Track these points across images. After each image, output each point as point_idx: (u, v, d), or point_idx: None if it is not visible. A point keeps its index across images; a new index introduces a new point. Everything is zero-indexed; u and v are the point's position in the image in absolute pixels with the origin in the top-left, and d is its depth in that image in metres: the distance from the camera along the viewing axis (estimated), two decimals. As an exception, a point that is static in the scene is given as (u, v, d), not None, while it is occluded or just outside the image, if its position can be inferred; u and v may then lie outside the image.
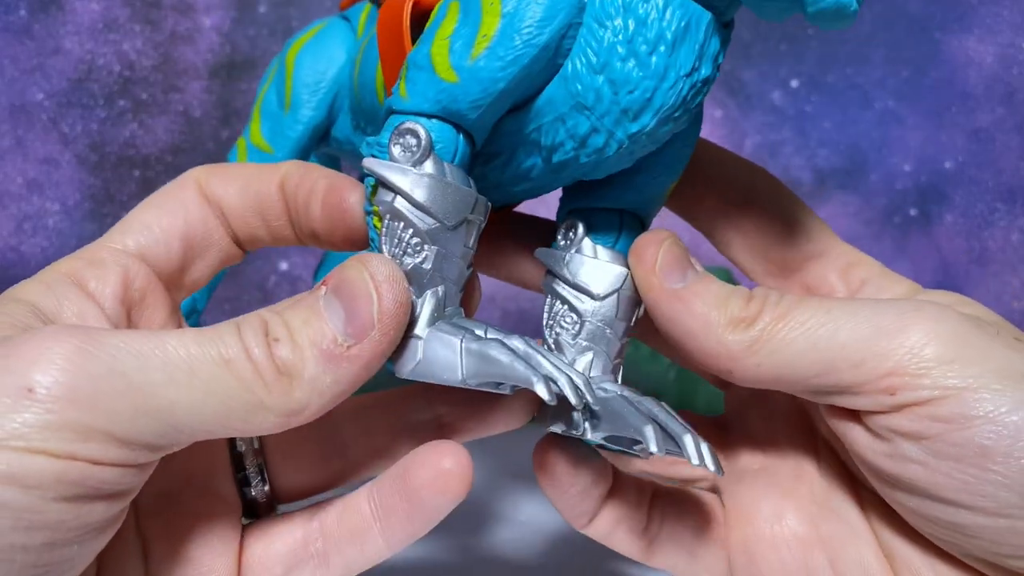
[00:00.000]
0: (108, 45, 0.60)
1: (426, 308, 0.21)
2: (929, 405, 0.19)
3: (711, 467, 0.21)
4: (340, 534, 0.23)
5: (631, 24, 0.20)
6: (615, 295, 0.24)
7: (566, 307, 0.25)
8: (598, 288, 0.24)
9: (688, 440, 0.21)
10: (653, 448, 0.21)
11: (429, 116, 0.21)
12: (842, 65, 0.62)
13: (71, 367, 0.17)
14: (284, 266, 0.62)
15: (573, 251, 0.25)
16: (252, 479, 0.24)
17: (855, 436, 0.21)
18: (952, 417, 0.19)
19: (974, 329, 0.20)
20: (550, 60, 0.21)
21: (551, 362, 0.21)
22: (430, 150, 0.21)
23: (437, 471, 0.21)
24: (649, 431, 0.21)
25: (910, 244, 0.62)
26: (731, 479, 0.26)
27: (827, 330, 0.21)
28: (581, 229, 0.25)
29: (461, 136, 0.21)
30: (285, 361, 0.19)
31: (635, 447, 0.23)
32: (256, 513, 0.24)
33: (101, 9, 0.60)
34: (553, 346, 0.25)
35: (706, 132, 0.26)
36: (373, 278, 0.19)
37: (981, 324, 0.20)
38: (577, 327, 0.24)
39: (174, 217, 0.24)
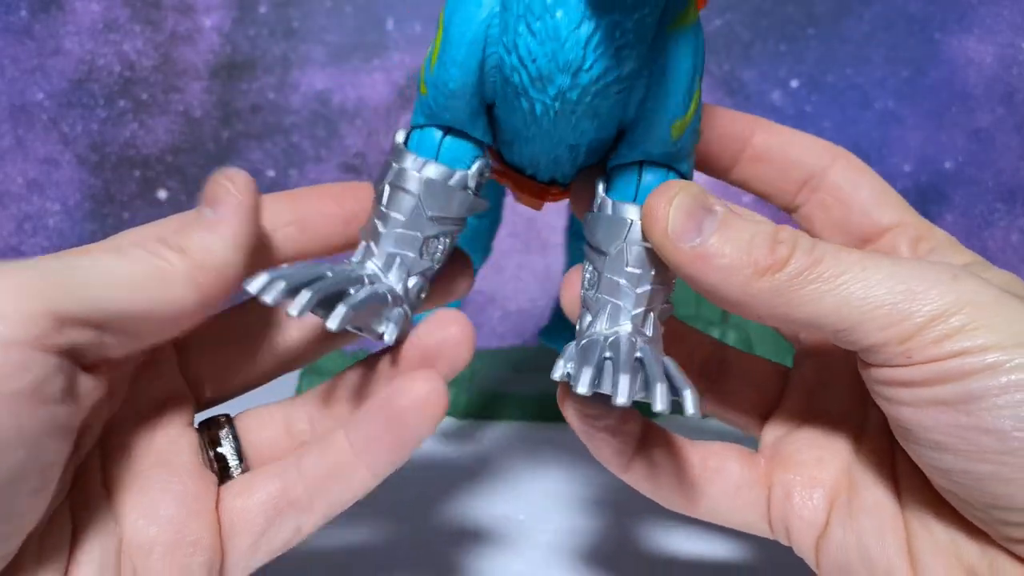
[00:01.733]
0: (108, 45, 0.60)
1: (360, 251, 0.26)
2: (939, 363, 0.20)
3: (690, 410, 0.21)
4: (321, 474, 0.24)
5: (530, 3, 0.22)
6: (623, 246, 0.24)
7: (591, 267, 0.25)
8: (607, 244, 0.24)
9: (620, 380, 0.21)
10: (580, 388, 0.21)
11: (422, 127, 0.26)
12: (842, 65, 0.62)
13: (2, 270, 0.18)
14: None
15: (595, 211, 0.25)
16: (223, 441, 0.26)
17: (866, 376, 0.22)
18: (955, 372, 0.20)
19: (1010, 302, 0.20)
20: (484, 52, 0.24)
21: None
22: (404, 152, 0.26)
23: (418, 396, 0.24)
24: (584, 372, 0.21)
25: (910, 244, 0.62)
26: (777, 427, 0.27)
27: (860, 288, 0.20)
28: (600, 189, 0.25)
29: (447, 136, 0.25)
30: (174, 243, 0.22)
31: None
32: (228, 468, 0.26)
33: (101, 9, 0.60)
34: (584, 305, 0.25)
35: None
36: (223, 175, 0.25)
37: (1010, 295, 0.20)
38: (596, 284, 0.25)
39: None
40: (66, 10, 0.60)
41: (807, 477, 0.25)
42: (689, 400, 0.21)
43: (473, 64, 0.24)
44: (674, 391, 0.21)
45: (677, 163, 0.25)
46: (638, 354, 0.22)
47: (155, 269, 0.21)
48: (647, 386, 0.21)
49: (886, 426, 0.25)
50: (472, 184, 0.26)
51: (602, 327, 0.24)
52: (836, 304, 0.20)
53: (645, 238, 0.23)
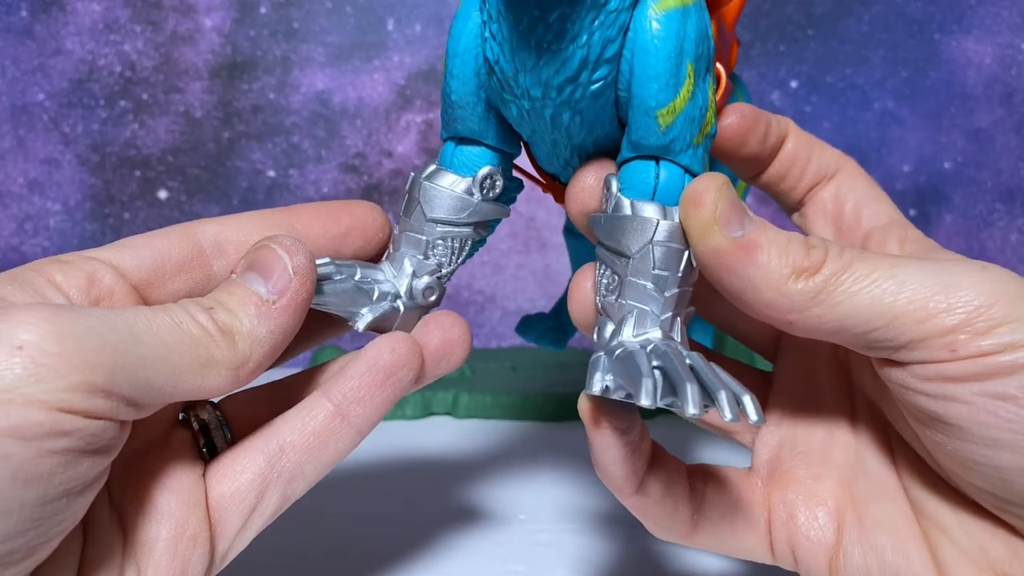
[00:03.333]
0: (109, 46, 0.61)
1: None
2: (986, 357, 0.20)
3: (752, 418, 0.20)
4: (305, 440, 0.25)
5: (489, 8, 0.23)
6: (648, 247, 0.23)
7: (609, 271, 0.24)
8: (631, 246, 0.23)
9: (687, 390, 0.20)
10: (644, 401, 0.20)
11: (444, 140, 0.27)
12: (841, 66, 0.62)
13: (54, 327, 0.19)
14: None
15: (610, 211, 0.24)
16: (211, 425, 0.26)
17: (902, 379, 0.22)
18: (1005, 365, 0.19)
19: None
20: (477, 61, 0.25)
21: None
22: (429, 164, 0.27)
23: (399, 350, 0.25)
24: (646, 384, 0.20)
25: (909, 244, 0.62)
26: (769, 437, 0.27)
27: (893, 283, 0.20)
28: (615, 186, 0.24)
29: (459, 146, 0.27)
30: (224, 322, 0.22)
31: (628, 398, 0.21)
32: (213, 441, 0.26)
33: (102, 10, 0.60)
34: (602, 312, 0.24)
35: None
36: (281, 245, 0.24)
37: None
38: (618, 289, 0.24)
39: (159, 239, 0.25)
40: (67, 10, 0.60)
41: (807, 495, 0.25)
42: (751, 408, 0.20)
43: (469, 73, 0.25)
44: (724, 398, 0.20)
45: (679, 157, 0.24)
46: (688, 361, 0.21)
47: (204, 357, 0.22)
48: (710, 395, 0.20)
49: (881, 432, 0.25)
50: (477, 189, 0.26)
51: (629, 334, 0.23)
52: (871, 301, 0.20)
53: (672, 239, 0.23)
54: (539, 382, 0.51)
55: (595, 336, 0.24)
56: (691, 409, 0.20)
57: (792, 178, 0.28)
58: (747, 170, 0.28)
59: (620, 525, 0.35)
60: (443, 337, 0.27)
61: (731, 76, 0.30)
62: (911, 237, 0.25)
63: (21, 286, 0.22)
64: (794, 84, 0.62)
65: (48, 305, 0.20)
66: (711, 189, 0.22)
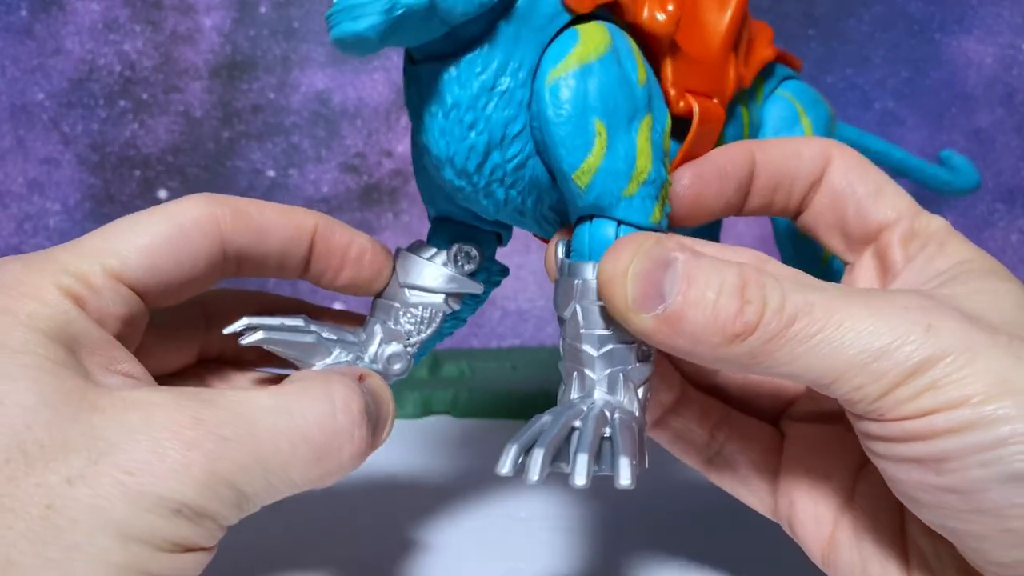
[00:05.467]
0: (109, 45, 0.61)
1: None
2: (909, 421, 0.19)
3: (623, 482, 0.20)
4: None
5: (416, 97, 0.24)
6: (574, 308, 0.23)
7: (560, 337, 0.24)
8: (562, 308, 0.24)
9: (579, 459, 0.20)
10: (497, 468, 0.20)
11: (429, 217, 0.29)
12: (842, 65, 0.62)
13: (204, 483, 0.20)
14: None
15: (558, 278, 0.24)
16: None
17: (852, 422, 0.22)
18: (925, 431, 0.19)
19: (986, 346, 0.19)
20: None
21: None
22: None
23: None
24: (533, 458, 0.20)
25: (910, 244, 0.62)
26: (792, 426, 0.27)
27: (835, 347, 0.20)
28: (560, 252, 0.25)
29: (435, 220, 0.28)
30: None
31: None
32: None
33: (102, 9, 0.60)
34: (563, 376, 0.24)
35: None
36: (391, 415, 0.26)
37: (993, 335, 0.20)
38: (565, 355, 0.24)
39: (174, 256, 0.25)
40: (66, 10, 0.60)
41: (812, 486, 0.25)
42: (623, 470, 0.20)
43: (419, 166, 0.26)
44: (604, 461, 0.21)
45: (612, 212, 0.23)
46: (577, 423, 0.21)
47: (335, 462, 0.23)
48: (535, 450, 0.20)
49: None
50: (451, 262, 0.28)
51: (569, 396, 0.23)
52: (810, 364, 0.20)
53: (594, 297, 0.22)
54: (539, 382, 0.51)
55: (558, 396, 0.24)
56: (577, 480, 0.20)
57: (778, 204, 0.27)
58: (722, 214, 0.27)
59: (621, 524, 0.35)
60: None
61: (743, 94, 0.30)
62: (918, 231, 0.24)
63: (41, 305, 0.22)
64: (794, 84, 0.62)
65: (196, 438, 0.20)
66: (618, 273, 0.21)
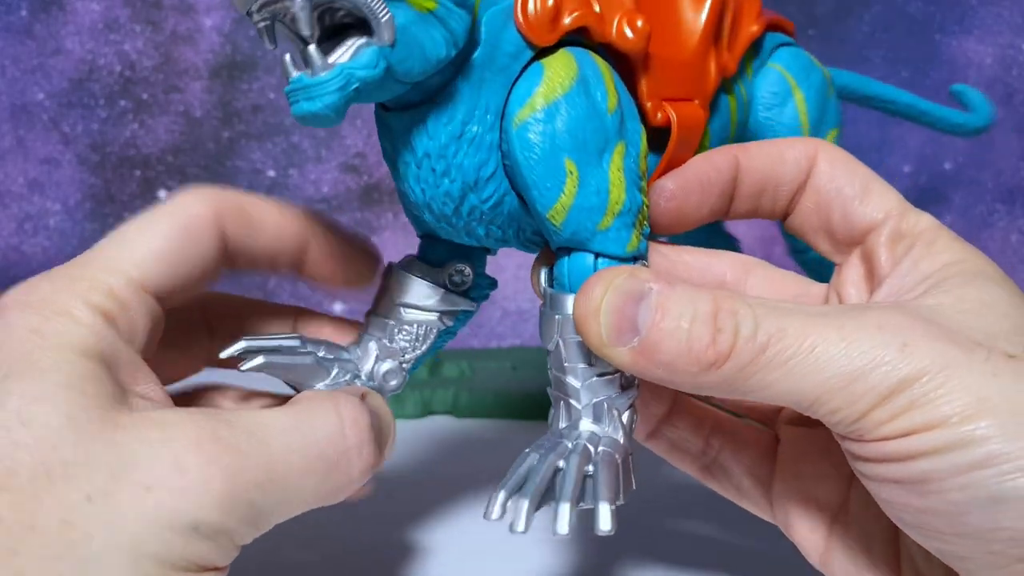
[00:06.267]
0: (109, 45, 0.61)
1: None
2: (889, 442, 0.19)
3: (600, 527, 0.21)
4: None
5: (388, 145, 0.24)
6: (557, 342, 0.24)
7: (548, 364, 0.25)
8: (546, 340, 0.24)
9: (561, 509, 0.21)
10: (485, 513, 0.21)
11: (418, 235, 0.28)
12: (842, 66, 0.62)
13: (225, 500, 0.20)
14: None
15: (540, 307, 0.25)
16: None
17: (840, 444, 0.22)
18: (904, 452, 0.19)
19: (963, 364, 0.19)
20: None
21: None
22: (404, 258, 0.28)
23: None
24: (518, 508, 0.21)
25: (910, 245, 0.62)
26: (785, 429, 0.27)
27: (809, 371, 0.20)
28: (543, 280, 0.25)
29: (432, 241, 0.28)
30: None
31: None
32: None
33: (102, 9, 0.60)
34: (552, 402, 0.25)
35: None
36: (393, 432, 0.26)
37: (970, 351, 0.19)
38: (552, 382, 0.25)
39: (187, 257, 0.25)
40: (66, 10, 0.60)
41: (807, 493, 0.25)
42: (601, 516, 0.21)
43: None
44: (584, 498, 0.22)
45: (589, 246, 0.23)
46: (561, 463, 0.22)
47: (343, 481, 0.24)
48: (521, 499, 0.21)
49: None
50: (446, 280, 0.28)
51: (558, 426, 0.24)
52: (786, 390, 0.20)
53: (576, 331, 0.22)
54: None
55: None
56: (514, 527, 0.21)
57: (764, 209, 0.26)
58: (707, 220, 0.27)
59: (623, 523, 0.35)
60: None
61: (726, 83, 0.29)
62: (905, 232, 0.24)
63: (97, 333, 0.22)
64: (794, 84, 0.62)
65: (216, 461, 0.20)
66: (591, 308, 0.21)
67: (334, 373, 0.27)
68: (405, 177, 0.24)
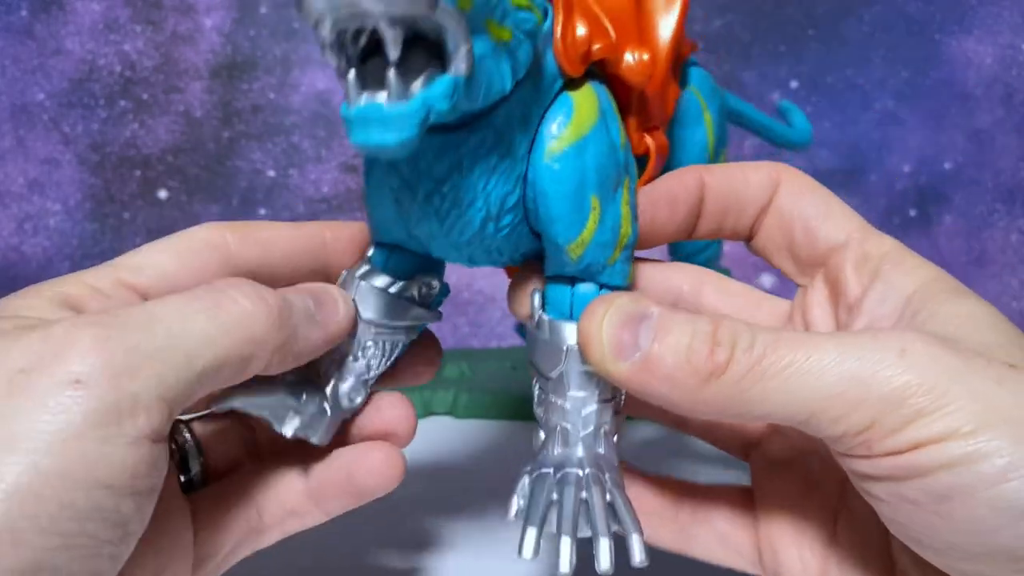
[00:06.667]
0: (109, 45, 0.61)
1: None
2: (899, 456, 0.19)
3: (636, 559, 0.21)
4: (278, 514, 0.26)
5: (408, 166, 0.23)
6: (562, 371, 0.24)
7: (539, 386, 0.25)
8: (547, 369, 0.24)
9: (561, 548, 0.21)
10: (525, 553, 0.22)
11: (378, 244, 0.26)
12: (842, 66, 0.62)
13: (100, 349, 0.19)
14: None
15: (534, 328, 0.25)
16: (190, 460, 0.26)
17: (840, 461, 0.21)
18: (915, 465, 0.18)
19: (963, 371, 0.19)
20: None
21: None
22: (363, 263, 0.26)
23: (375, 464, 0.26)
24: (528, 536, 0.22)
25: (909, 245, 0.62)
26: (763, 472, 0.27)
27: (808, 379, 0.19)
28: (537, 303, 0.25)
29: (395, 251, 0.26)
30: (271, 300, 0.22)
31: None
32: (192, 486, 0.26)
33: (102, 9, 0.60)
34: (541, 424, 0.25)
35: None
36: (340, 294, 0.25)
37: (970, 359, 0.19)
38: (543, 404, 0.25)
39: (184, 268, 0.25)
40: (67, 10, 0.60)
41: (795, 532, 0.25)
42: (635, 548, 0.21)
43: (387, 201, 0.24)
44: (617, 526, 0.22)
45: (598, 277, 0.24)
46: (584, 495, 0.22)
47: (247, 337, 0.22)
48: (593, 539, 0.21)
49: None
50: (414, 294, 0.26)
51: (553, 449, 0.24)
52: (786, 400, 0.19)
53: (584, 361, 0.22)
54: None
55: (533, 442, 0.25)
56: (562, 568, 0.21)
57: (728, 229, 0.26)
58: (673, 238, 0.27)
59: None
60: (382, 421, 0.27)
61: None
62: (870, 253, 0.23)
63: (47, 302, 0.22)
64: (794, 84, 0.62)
65: (86, 320, 0.19)
66: (595, 324, 0.21)
67: (304, 399, 0.25)
68: (419, 200, 0.22)
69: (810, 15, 0.61)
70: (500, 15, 0.20)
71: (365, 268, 0.26)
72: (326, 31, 0.18)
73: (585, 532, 0.22)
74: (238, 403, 0.24)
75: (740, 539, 0.26)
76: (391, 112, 0.18)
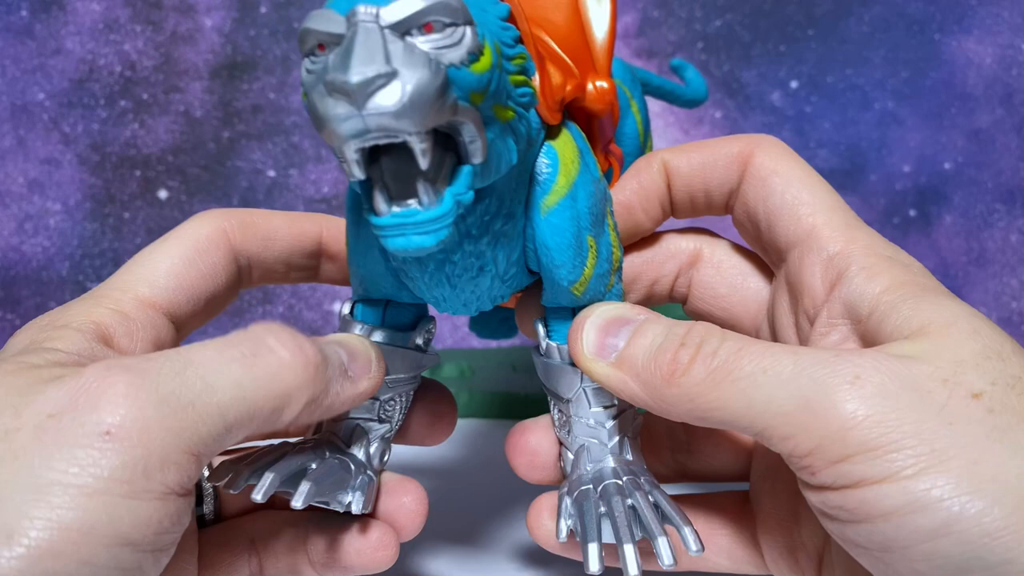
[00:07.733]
0: (109, 45, 0.61)
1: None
2: (842, 493, 0.18)
3: (692, 548, 0.23)
4: (278, 572, 0.26)
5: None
6: (580, 391, 0.25)
7: (557, 408, 0.26)
8: (565, 391, 0.25)
9: (624, 554, 0.23)
10: (592, 570, 0.23)
11: (363, 300, 0.26)
12: (842, 66, 0.62)
13: (133, 398, 0.18)
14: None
15: (543, 353, 0.26)
16: (205, 497, 0.27)
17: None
18: (858, 512, 0.18)
19: (915, 403, 0.18)
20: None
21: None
22: (351, 323, 0.26)
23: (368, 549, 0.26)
24: (591, 553, 0.23)
25: (909, 245, 0.62)
26: (758, 479, 0.27)
27: (762, 394, 0.19)
28: (542, 331, 0.26)
29: (390, 305, 0.26)
30: (308, 349, 0.21)
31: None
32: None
33: (102, 9, 0.60)
34: (560, 443, 0.27)
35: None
36: (374, 350, 0.24)
37: (926, 393, 0.18)
38: (567, 426, 0.26)
39: (196, 271, 0.25)
40: (67, 10, 0.60)
41: (789, 540, 0.25)
42: (690, 539, 0.23)
43: (376, 256, 0.24)
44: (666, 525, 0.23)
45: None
46: (629, 501, 0.23)
47: (279, 390, 0.21)
48: (651, 540, 0.23)
49: None
50: (420, 342, 0.27)
51: (585, 466, 0.25)
52: (743, 409, 0.19)
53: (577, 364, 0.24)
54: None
55: (562, 465, 0.26)
56: (631, 572, 0.22)
57: (701, 209, 0.26)
58: (655, 227, 0.27)
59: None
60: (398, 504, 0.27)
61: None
62: (840, 252, 0.22)
63: (91, 348, 0.22)
64: (794, 84, 0.62)
65: (120, 365, 0.19)
66: (580, 329, 0.23)
67: (353, 469, 0.25)
68: (436, 273, 0.23)
69: (810, 15, 0.61)
70: (504, 98, 0.20)
71: (361, 327, 0.26)
72: (351, 152, 0.18)
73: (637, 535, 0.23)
74: (316, 489, 0.23)
75: (743, 554, 0.27)
76: (427, 216, 0.19)
